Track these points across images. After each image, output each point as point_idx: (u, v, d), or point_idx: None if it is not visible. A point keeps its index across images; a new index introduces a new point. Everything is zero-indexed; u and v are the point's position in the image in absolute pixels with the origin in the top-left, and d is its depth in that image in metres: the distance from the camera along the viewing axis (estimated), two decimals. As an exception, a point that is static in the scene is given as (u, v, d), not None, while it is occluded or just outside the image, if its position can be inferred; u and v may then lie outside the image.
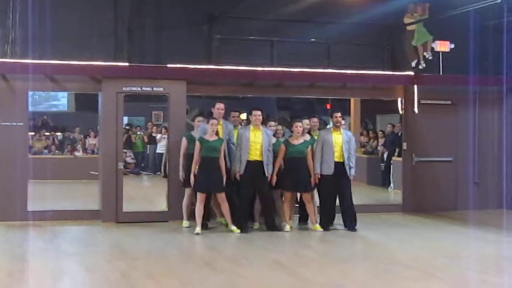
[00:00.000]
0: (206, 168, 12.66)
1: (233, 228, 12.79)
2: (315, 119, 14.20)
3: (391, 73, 16.13)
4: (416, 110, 15.99)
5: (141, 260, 10.67)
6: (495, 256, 11.23)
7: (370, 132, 22.40)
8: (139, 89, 14.54)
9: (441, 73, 16.24)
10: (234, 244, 12.19)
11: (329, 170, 13.14)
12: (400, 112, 16.48)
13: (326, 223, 13.34)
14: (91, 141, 22.97)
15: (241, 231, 12.78)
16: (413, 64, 16.33)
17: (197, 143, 12.78)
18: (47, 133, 23.81)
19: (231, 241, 12.42)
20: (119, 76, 14.35)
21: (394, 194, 17.78)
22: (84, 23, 14.51)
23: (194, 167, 12.74)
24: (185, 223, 13.42)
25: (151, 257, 10.97)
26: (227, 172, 12.91)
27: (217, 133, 12.84)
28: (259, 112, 13.11)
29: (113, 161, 14.13)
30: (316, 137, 13.56)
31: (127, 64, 14.44)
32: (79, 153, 22.77)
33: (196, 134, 13.26)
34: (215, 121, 12.81)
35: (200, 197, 12.74)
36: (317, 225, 13.27)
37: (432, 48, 16.26)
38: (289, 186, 13.12)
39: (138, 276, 9.48)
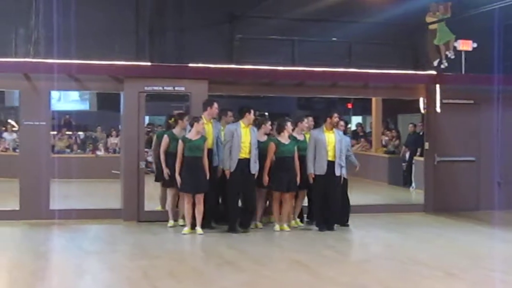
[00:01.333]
0: (190, 168, 12.50)
1: (199, 229, 12.57)
2: (311, 118, 14.10)
3: (413, 72, 16.07)
4: (438, 109, 15.92)
5: (162, 258, 10.68)
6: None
7: (393, 131, 22.31)
8: (161, 88, 14.57)
9: (463, 72, 16.17)
10: (256, 244, 12.15)
11: (321, 170, 12.98)
12: (422, 111, 16.43)
13: (322, 223, 13.19)
14: (113, 140, 23.03)
15: (233, 232, 12.72)
16: (435, 63, 16.28)
17: (180, 142, 12.62)
18: (69, 132, 23.91)
19: (252, 241, 12.40)
20: (141, 76, 14.40)
21: (415, 194, 17.69)
22: (106, 23, 14.58)
23: (178, 167, 12.61)
24: (170, 223, 13.39)
25: (172, 256, 11.00)
26: (211, 171, 12.76)
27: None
28: (252, 112, 13.00)
29: (135, 160, 14.17)
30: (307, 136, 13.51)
31: (149, 63, 14.49)
32: (101, 152, 22.84)
33: (179, 133, 13.14)
34: (202, 121, 12.69)
35: (188, 197, 12.60)
36: (285, 226, 13.11)
37: (455, 47, 16.19)
38: (277, 186, 12.96)
39: (159, 275, 9.49)
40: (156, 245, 11.87)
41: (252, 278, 9.55)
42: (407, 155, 19.52)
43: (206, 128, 12.96)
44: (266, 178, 12.95)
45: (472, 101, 16.13)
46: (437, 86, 15.94)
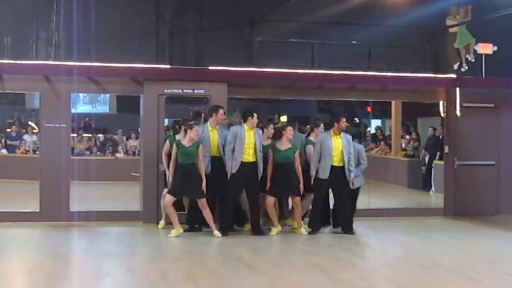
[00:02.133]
0: (183, 173, 12.47)
1: (216, 232, 12.57)
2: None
3: (432, 75, 16.04)
4: (458, 113, 15.87)
5: (181, 261, 10.74)
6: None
7: (412, 134, 22.23)
8: (180, 91, 14.60)
9: (483, 76, 16.11)
10: (275, 247, 12.19)
11: (324, 174, 12.94)
12: (442, 115, 16.37)
13: (316, 226, 13.19)
14: (132, 142, 23.10)
15: (224, 234, 12.66)
16: (455, 66, 16.24)
17: (174, 147, 12.63)
18: (88, 135, 23.99)
19: (271, 244, 12.42)
20: (161, 79, 14.44)
21: (435, 198, 17.62)
22: (127, 26, 14.67)
23: (172, 170, 12.62)
24: (161, 224, 13.49)
25: (191, 258, 11.02)
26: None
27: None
28: (256, 115, 12.93)
29: (154, 163, 14.21)
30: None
31: (168, 66, 14.55)
32: (120, 155, 22.91)
33: (181, 137, 13.02)
34: (196, 128, 12.64)
35: (171, 200, 12.52)
36: (302, 229, 13.10)
37: (475, 51, 16.15)
38: (273, 191, 12.91)
39: (178, 277, 9.50)
40: (175, 247, 11.91)
41: (271, 281, 9.55)
42: (427, 158, 19.41)
43: (211, 134, 13.00)
44: (268, 183, 12.90)
45: (492, 105, 16.06)
46: (457, 89, 15.88)
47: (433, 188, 18.64)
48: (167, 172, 13.20)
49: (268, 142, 13.25)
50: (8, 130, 24.04)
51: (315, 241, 12.62)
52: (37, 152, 16.29)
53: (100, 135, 24.42)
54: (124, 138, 24.01)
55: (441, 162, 16.66)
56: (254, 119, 12.92)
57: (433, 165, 18.76)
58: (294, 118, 14.74)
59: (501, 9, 14.58)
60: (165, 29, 14.71)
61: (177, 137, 13.22)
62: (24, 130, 23.93)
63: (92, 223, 13.60)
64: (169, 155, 13.01)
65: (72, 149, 17.39)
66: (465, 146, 15.68)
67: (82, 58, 13.98)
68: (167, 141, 13.41)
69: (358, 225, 13.54)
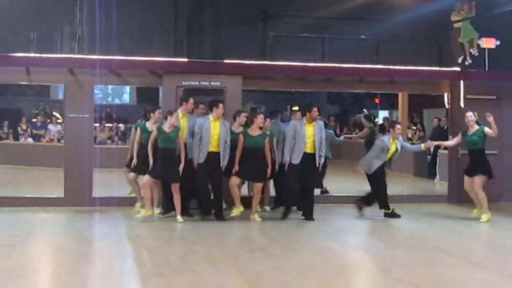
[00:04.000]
0: (163, 158, 12.39)
1: (179, 217, 12.47)
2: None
3: (438, 68, 16.05)
4: (462, 104, 15.87)
5: (198, 244, 10.76)
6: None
7: (418, 125, 22.26)
8: (197, 83, 14.65)
9: (486, 69, 16.10)
10: (286, 231, 12.21)
11: (297, 159, 12.91)
12: (447, 106, 16.38)
13: (287, 211, 13.16)
14: (151, 132, 23.15)
15: (206, 216, 12.73)
16: (460, 60, 16.24)
17: (154, 130, 12.50)
18: (110, 125, 24.12)
19: (282, 228, 12.45)
20: (179, 71, 14.51)
21: (440, 186, 17.64)
22: (147, 21, 14.74)
23: (150, 153, 12.44)
24: (156, 210, 13.24)
25: (207, 241, 11.05)
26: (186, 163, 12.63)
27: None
28: (222, 105, 12.90)
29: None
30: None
31: (186, 59, 14.61)
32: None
33: (151, 125, 13.01)
34: (176, 113, 12.61)
35: (149, 181, 12.43)
36: (256, 215, 13.01)
37: (478, 45, 16.15)
38: (243, 174, 12.90)
39: (196, 260, 9.57)
40: (192, 231, 11.91)
41: (283, 263, 9.61)
42: (432, 148, 19.45)
43: (181, 122, 12.89)
44: (236, 167, 12.83)
45: (494, 97, 16.03)
46: (461, 82, 15.87)
47: (437, 176, 18.67)
48: (134, 160, 13.14)
49: (240, 129, 13.19)
50: (34, 120, 24.21)
51: (324, 225, 12.66)
52: (62, 141, 16.44)
53: (121, 125, 24.53)
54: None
55: (446, 151, 16.67)
56: (219, 109, 12.80)
57: (438, 154, 18.78)
58: (276, 111, 14.70)
59: (503, 5, 14.60)
60: (183, 24, 14.78)
61: (147, 124, 13.19)
62: (49, 120, 24.11)
63: (113, 208, 13.69)
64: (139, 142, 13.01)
65: (95, 138, 17.49)
66: (468, 136, 15.67)
67: (104, 52, 14.07)
68: (138, 129, 13.24)
69: (367, 210, 13.64)
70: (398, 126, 13.50)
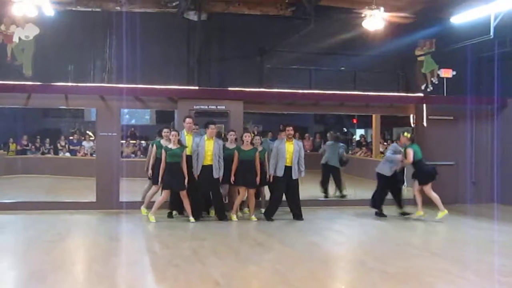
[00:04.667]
0: (171, 171, 12.36)
1: (191, 218, 12.51)
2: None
3: (405, 94, 16.10)
4: (425, 124, 15.91)
5: (207, 240, 10.76)
6: (487, 241, 11.12)
7: (388, 141, 22.28)
8: (206, 107, 14.68)
9: (445, 94, 16.17)
10: (281, 229, 12.18)
11: (280, 172, 12.86)
12: (412, 125, 16.42)
13: (271, 214, 13.06)
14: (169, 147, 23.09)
15: (196, 220, 12.59)
16: (423, 87, 16.34)
17: (163, 152, 12.47)
18: (133, 141, 24.11)
19: (278, 226, 12.42)
20: (191, 97, 14.53)
21: (407, 191, 17.57)
22: (164, 56, 14.77)
23: (162, 171, 12.43)
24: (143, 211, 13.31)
25: (215, 238, 11.04)
26: (190, 173, 12.58)
27: (179, 142, 12.46)
28: (213, 126, 12.79)
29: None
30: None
31: (197, 87, 14.66)
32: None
33: (164, 142, 12.88)
34: (175, 133, 12.51)
35: (165, 193, 12.49)
36: (253, 217, 12.98)
37: (438, 75, 16.23)
38: (240, 182, 12.88)
39: (205, 253, 9.60)
40: (202, 229, 11.91)
41: (278, 255, 9.65)
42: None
43: (187, 138, 12.85)
44: (232, 178, 12.83)
45: (451, 117, 16.09)
46: (424, 105, 15.93)
47: (405, 183, 18.63)
48: (149, 172, 13.12)
49: (233, 145, 13.14)
50: (71, 137, 24.22)
51: (312, 224, 12.66)
52: (94, 155, 16.40)
53: (143, 142, 24.54)
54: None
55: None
56: (210, 129, 12.71)
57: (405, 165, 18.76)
58: (266, 131, 14.75)
59: (459, 41, 14.66)
60: (194, 58, 14.80)
61: (162, 141, 13.05)
62: (83, 138, 24.10)
63: (137, 211, 13.62)
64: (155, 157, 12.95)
65: (121, 152, 17.50)
66: (430, 149, 15.66)
67: (129, 81, 14.11)
68: (154, 146, 13.14)
69: (347, 212, 13.64)
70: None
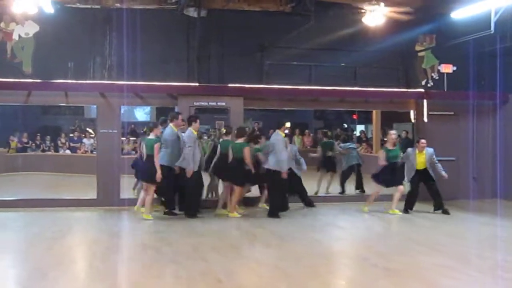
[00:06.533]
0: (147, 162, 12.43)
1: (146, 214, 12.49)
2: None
3: (405, 90, 16.06)
4: (425, 119, 15.89)
5: (207, 236, 10.77)
6: (490, 237, 11.10)
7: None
8: (206, 103, 14.69)
9: (445, 90, 16.13)
10: (281, 225, 12.16)
11: (281, 168, 12.80)
12: (413, 121, 16.41)
13: (276, 210, 12.97)
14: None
15: (193, 217, 12.65)
16: (423, 82, 16.25)
17: (156, 146, 12.26)
18: (134, 138, 24.07)
19: (278, 222, 12.39)
20: (191, 94, 14.53)
21: (407, 186, 17.55)
22: (164, 52, 14.71)
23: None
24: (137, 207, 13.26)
25: (214, 234, 11.05)
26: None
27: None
28: (198, 121, 12.77)
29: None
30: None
31: (197, 84, 14.61)
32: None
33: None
34: (159, 128, 12.55)
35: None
36: (235, 213, 13.00)
37: (438, 70, 16.17)
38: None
39: (205, 249, 9.59)
40: (201, 226, 11.91)
41: (278, 252, 9.63)
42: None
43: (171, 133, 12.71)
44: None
45: (452, 113, 16.07)
46: (425, 101, 15.93)
47: (405, 178, 18.60)
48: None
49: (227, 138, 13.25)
50: (71, 135, 24.21)
51: (313, 220, 12.66)
52: (94, 152, 16.37)
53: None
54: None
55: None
56: (197, 123, 12.72)
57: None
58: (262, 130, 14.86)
59: (459, 36, 14.62)
60: (194, 55, 14.72)
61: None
62: (83, 135, 24.09)
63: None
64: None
65: (122, 149, 17.48)
66: (431, 145, 15.61)
67: (129, 78, 14.06)
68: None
69: (349, 208, 13.63)
70: (422, 140, 13.75)
